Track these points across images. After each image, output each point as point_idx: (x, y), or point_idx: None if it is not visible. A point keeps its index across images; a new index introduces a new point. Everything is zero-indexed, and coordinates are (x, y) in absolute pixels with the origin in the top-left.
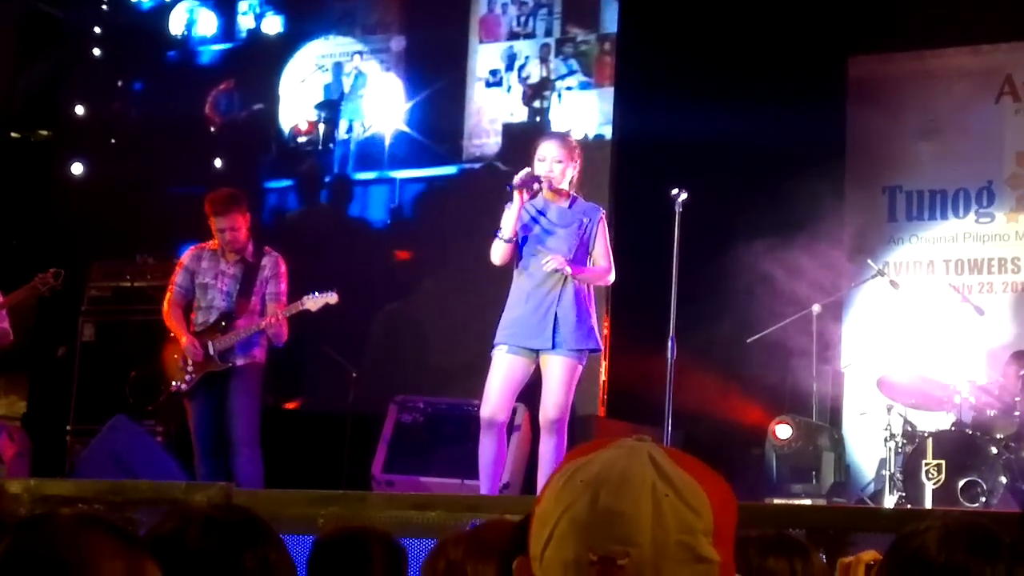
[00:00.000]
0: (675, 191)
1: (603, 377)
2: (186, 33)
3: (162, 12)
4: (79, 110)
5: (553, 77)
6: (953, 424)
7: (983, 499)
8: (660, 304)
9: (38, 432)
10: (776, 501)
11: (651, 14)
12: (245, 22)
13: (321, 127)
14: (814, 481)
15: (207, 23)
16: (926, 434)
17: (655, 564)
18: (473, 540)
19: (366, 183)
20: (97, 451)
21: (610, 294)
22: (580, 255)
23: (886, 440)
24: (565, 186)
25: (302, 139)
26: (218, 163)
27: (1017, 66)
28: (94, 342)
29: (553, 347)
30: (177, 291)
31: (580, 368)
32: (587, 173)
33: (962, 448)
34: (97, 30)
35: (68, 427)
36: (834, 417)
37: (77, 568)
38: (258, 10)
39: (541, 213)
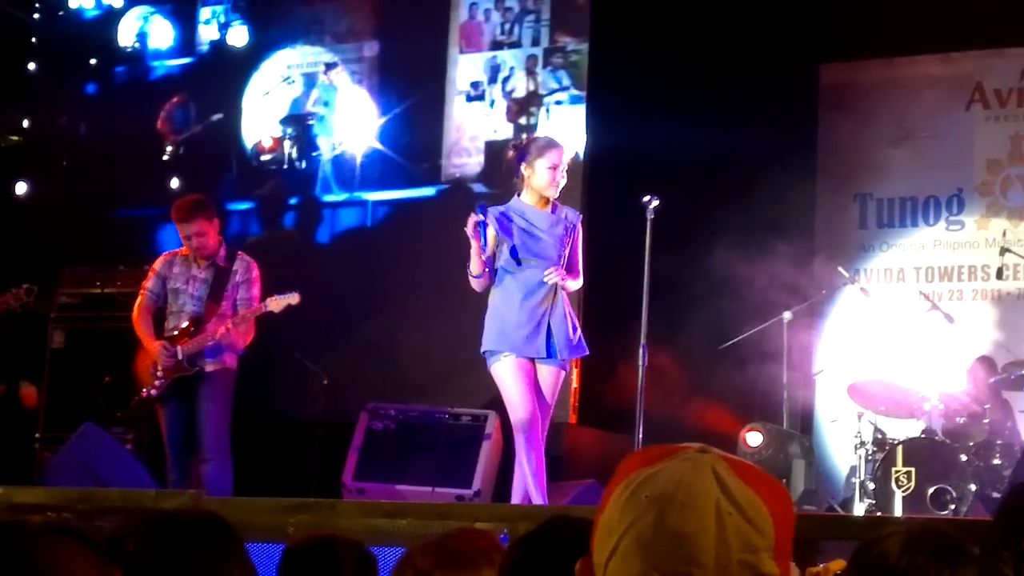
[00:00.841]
0: (646, 198)
1: (574, 384)
2: (138, 44)
3: (109, 21)
4: (25, 124)
5: (541, 91)
6: (923, 432)
7: (953, 507)
8: (631, 311)
9: (7, 440)
10: None
11: (622, 23)
12: (207, 32)
13: (287, 144)
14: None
15: (162, 33)
16: (896, 442)
17: None
18: (441, 549)
19: (335, 205)
20: (66, 459)
21: (582, 301)
22: (568, 261)
23: (856, 448)
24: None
25: (266, 157)
26: (174, 183)
27: (987, 74)
28: (64, 349)
29: (548, 356)
30: (148, 296)
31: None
32: None
33: (932, 456)
34: (33, 40)
35: (37, 435)
36: (805, 424)
37: None
38: (222, 19)
39: (523, 218)
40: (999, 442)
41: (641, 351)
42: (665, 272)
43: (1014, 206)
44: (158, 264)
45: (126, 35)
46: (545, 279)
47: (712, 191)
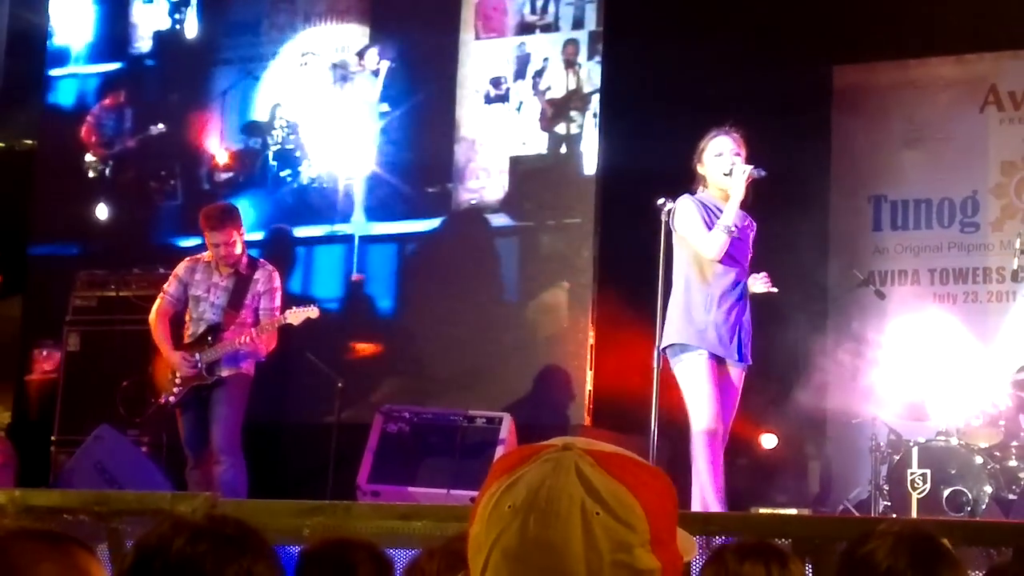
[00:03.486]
0: (661, 200)
1: (588, 387)
2: (61, 35)
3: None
4: None
5: (586, 89)
6: (938, 433)
7: (968, 509)
8: (647, 313)
9: (23, 442)
10: (761, 510)
11: (634, 21)
12: (147, 20)
13: (248, 160)
14: (799, 491)
15: (88, 21)
16: (911, 443)
17: None
18: (447, 552)
19: (312, 242)
20: (82, 461)
21: (595, 302)
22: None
23: (871, 450)
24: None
25: (222, 177)
26: (100, 213)
27: (1002, 75)
28: (79, 352)
29: (739, 359)
30: (167, 299)
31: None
32: (573, 181)
33: (947, 458)
34: None
35: (52, 437)
36: (819, 427)
37: None
38: (167, 4)
39: (719, 209)
40: (1015, 444)
41: (656, 352)
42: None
43: None
44: (180, 269)
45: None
46: (763, 283)
47: None
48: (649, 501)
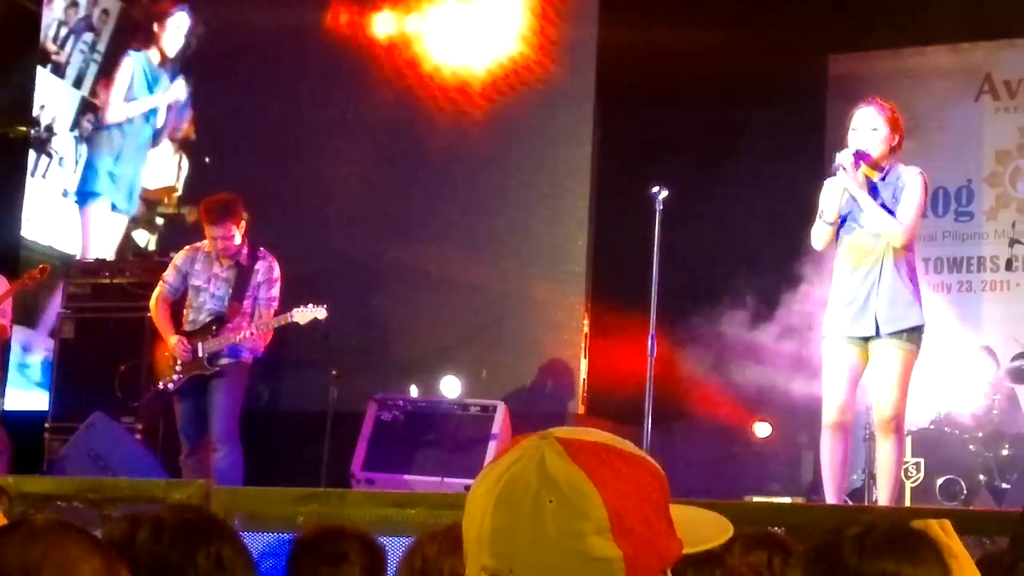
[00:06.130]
0: (655, 188)
1: (583, 375)
2: None
3: None
4: None
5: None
6: (932, 422)
7: (962, 497)
8: (642, 302)
9: (17, 429)
10: (756, 499)
11: (630, 14)
12: None
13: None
14: (794, 479)
15: None
16: (905, 432)
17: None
18: (449, 537)
19: None
20: (76, 448)
21: (590, 291)
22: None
23: (865, 438)
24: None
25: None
26: None
27: (997, 65)
28: (73, 339)
29: (877, 334)
30: (167, 288)
31: (912, 355)
32: (567, 169)
33: (941, 446)
34: None
35: (46, 424)
36: (813, 415)
37: (57, 570)
38: None
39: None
40: (1008, 432)
41: (650, 341)
42: (675, 263)
43: (1023, 197)
44: (179, 258)
45: None
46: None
47: (722, 181)
48: (614, 490)
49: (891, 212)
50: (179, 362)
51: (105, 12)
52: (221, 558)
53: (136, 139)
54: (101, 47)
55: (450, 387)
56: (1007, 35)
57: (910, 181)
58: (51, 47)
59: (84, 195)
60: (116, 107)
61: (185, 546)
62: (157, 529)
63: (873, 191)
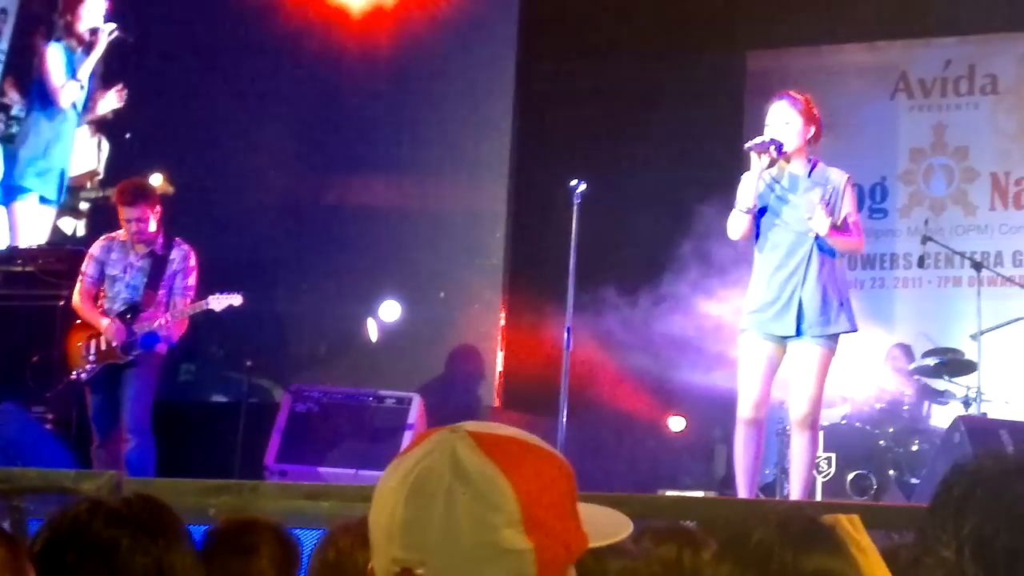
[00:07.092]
0: (573, 182)
1: (499, 367)
2: None
3: None
4: None
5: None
6: (843, 417)
7: (872, 492)
8: (558, 295)
9: None
10: (669, 493)
11: (551, 10)
12: None
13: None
14: (706, 473)
15: None
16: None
17: (455, 568)
18: (363, 529)
19: None
20: None
21: (507, 284)
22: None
23: (778, 433)
24: (791, 150)
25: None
26: None
27: (912, 63)
28: None
29: (798, 334)
30: (88, 281)
31: (831, 355)
32: (486, 163)
33: (852, 442)
34: None
35: None
36: (727, 410)
37: None
38: None
39: (775, 181)
40: (918, 428)
41: (566, 334)
42: (591, 256)
43: (936, 195)
44: (96, 249)
45: None
46: (809, 222)
47: (640, 176)
48: (526, 483)
49: (828, 212)
50: (92, 351)
51: (3, 11)
52: (163, 563)
53: (64, 128)
54: (4, 45)
55: (389, 311)
56: (922, 34)
57: (847, 193)
58: None
59: (10, 192)
60: (68, 90)
61: (133, 543)
62: (111, 520)
63: (793, 184)
